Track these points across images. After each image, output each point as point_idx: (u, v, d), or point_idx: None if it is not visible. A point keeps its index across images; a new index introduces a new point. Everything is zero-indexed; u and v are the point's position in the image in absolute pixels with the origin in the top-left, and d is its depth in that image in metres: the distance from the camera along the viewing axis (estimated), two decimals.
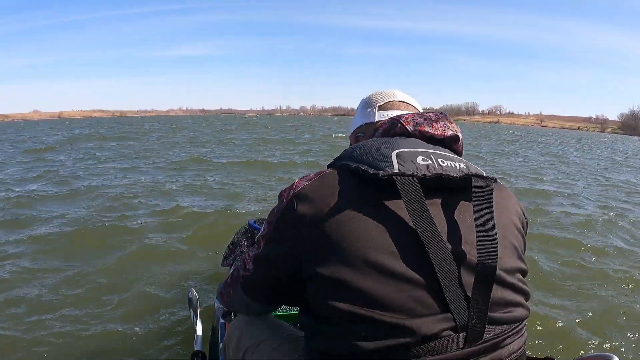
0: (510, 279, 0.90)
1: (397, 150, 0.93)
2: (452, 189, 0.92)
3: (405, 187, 0.86)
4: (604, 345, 2.83)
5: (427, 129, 1.05)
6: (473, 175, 0.93)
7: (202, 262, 3.77)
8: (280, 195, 0.98)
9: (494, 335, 0.85)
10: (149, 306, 2.94)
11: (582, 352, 2.65)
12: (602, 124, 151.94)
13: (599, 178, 11.31)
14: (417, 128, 1.04)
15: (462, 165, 0.94)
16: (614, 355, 1.11)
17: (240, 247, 2.75)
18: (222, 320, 1.94)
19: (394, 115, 1.16)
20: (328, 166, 1.01)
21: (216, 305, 1.86)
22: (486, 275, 0.84)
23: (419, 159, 0.91)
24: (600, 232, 5.46)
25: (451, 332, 0.82)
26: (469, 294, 0.83)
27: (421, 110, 1.32)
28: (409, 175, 0.87)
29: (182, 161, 10.99)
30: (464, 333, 0.82)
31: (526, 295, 0.95)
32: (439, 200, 0.91)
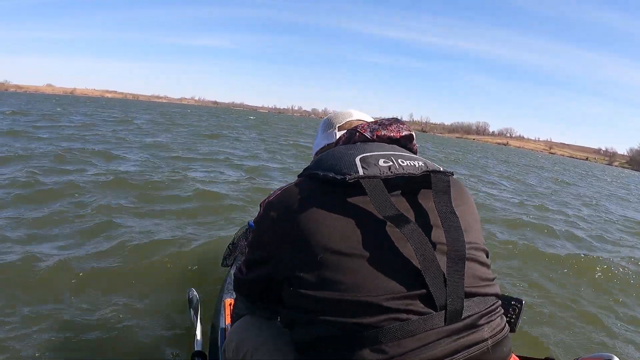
0: (478, 256, 0.97)
1: (361, 156, 1.02)
2: (414, 185, 1.01)
3: (371, 187, 0.94)
4: (604, 345, 2.86)
5: (383, 132, 1.15)
6: (431, 171, 1.01)
7: (202, 262, 3.72)
8: (260, 205, 1.10)
9: (473, 313, 0.89)
10: (148, 306, 2.90)
11: (582, 352, 2.68)
12: (610, 156, 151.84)
13: None
14: (374, 133, 1.15)
15: (420, 163, 1.03)
16: (614, 355, 1.13)
17: (240, 248, 2.79)
18: (222, 321, 1.95)
19: None
20: (299, 175, 1.10)
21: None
22: (458, 254, 0.91)
23: (381, 162, 1.00)
24: (604, 240, 5.74)
25: (430, 310, 0.86)
26: (444, 273, 0.88)
27: None
28: (373, 177, 0.96)
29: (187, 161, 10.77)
30: (444, 311, 0.86)
31: (492, 274, 1.01)
32: (402, 197, 0.99)
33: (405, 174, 0.98)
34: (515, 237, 5.71)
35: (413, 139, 1.19)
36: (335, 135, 1.34)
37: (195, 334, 1.91)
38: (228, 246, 2.94)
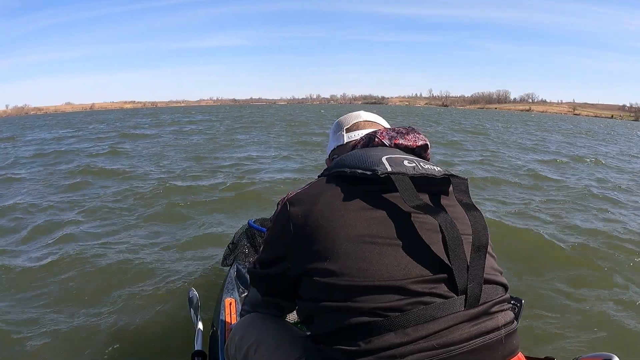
0: (491, 250, 1.03)
1: (386, 156, 1.06)
2: (435, 188, 1.06)
3: (400, 182, 0.99)
4: (604, 345, 2.80)
5: (401, 141, 1.19)
6: (450, 174, 1.07)
7: (202, 261, 3.75)
8: (278, 203, 1.10)
9: (488, 300, 0.93)
10: (149, 306, 2.91)
11: (582, 351, 2.58)
12: (636, 112, 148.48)
13: None
14: (392, 141, 1.18)
15: (438, 168, 1.09)
16: (614, 355, 1.14)
17: (240, 248, 2.80)
18: (222, 320, 1.96)
19: (361, 134, 1.33)
20: (319, 176, 1.14)
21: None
22: (481, 244, 0.96)
23: (406, 162, 1.05)
24: (605, 234, 5.52)
25: (453, 294, 0.90)
26: (467, 260, 0.94)
27: (386, 126, 1.45)
28: (402, 173, 1.01)
29: (188, 160, 10.68)
30: (464, 296, 0.90)
31: (498, 266, 1.06)
32: (425, 196, 1.03)
33: (427, 174, 1.03)
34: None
35: (428, 148, 1.24)
36: (344, 137, 1.40)
37: (195, 334, 1.91)
38: (228, 246, 2.97)
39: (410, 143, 1.20)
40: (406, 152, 1.17)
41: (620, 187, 8.24)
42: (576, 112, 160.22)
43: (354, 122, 1.43)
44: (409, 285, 0.88)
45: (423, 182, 1.02)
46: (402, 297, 0.88)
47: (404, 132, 1.21)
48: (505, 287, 1.01)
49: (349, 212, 0.96)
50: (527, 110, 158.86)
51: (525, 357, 1.11)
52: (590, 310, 3.24)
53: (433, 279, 0.90)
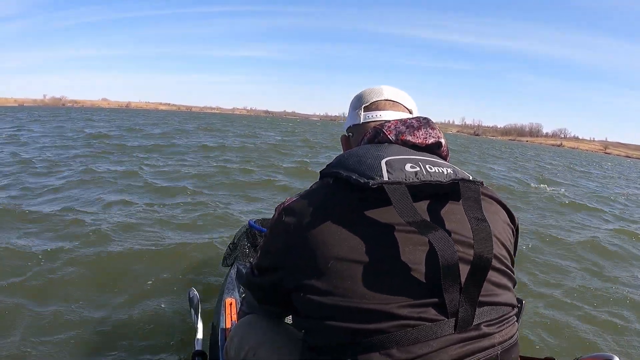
0: (498, 264, 0.93)
1: (387, 159, 0.95)
2: (441, 193, 0.96)
3: (395, 194, 0.89)
4: (604, 345, 2.86)
5: (409, 137, 1.04)
6: (460, 179, 0.95)
7: (202, 261, 3.74)
8: (275, 209, 1.05)
9: (484, 320, 0.87)
10: (149, 306, 2.90)
11: (582, 352, 2.46)
12: None
13: None
14: (399, 137, 1.05)
15: (449, 170, 0.96)
16: (614, 355, 1.13)
17: (241, 248, 2.82)
18: (222, 320, 1.95)
19: (379, 116, 1.21)
20: (320, 172, 1.06)
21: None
22: (482, 265, 0.86)
23: (408, 166, 0.93)
24: (607, 237, 5.74)
25: (442, 318, 0.84)
26: (461, 282, 0.85)
27: (411, 107, 1.28)
28: (398, 183, 0.90)
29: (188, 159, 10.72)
30: (454, 319, 0.84)
31: (512, 281, 0.98)
32: (426, 204, 0.94)
33: (432, 181, 0.93)
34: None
35: (441, 146, 1.08)
36: (361, 116, 1.24)
37: (195, 334, 1.88)
38: (229, 246, 2.96)
39: (420, 141, 1.05)
40: (416, 150, 1.04)
41: None
42: (607, 150, 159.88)
43: (374, 100, 1.24)
44: (395, 309, 0.84)
45: (428, 188, 0.93)
46: (387, 319, 0.84)
47: (415, 125, 1.06)
48: (511, 305, 0.95)
49: (340, 226, 0.91)
50: (559, 146, 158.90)
51: (526, 357, 1.19)
52: (590, 310, 3.33)
53: (421, 303, 0.84)
